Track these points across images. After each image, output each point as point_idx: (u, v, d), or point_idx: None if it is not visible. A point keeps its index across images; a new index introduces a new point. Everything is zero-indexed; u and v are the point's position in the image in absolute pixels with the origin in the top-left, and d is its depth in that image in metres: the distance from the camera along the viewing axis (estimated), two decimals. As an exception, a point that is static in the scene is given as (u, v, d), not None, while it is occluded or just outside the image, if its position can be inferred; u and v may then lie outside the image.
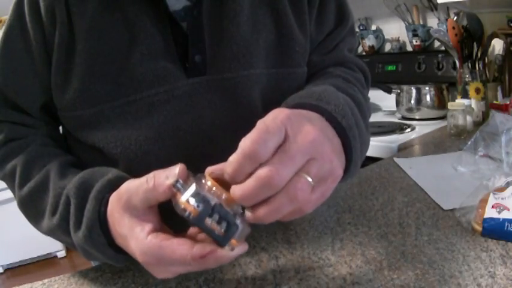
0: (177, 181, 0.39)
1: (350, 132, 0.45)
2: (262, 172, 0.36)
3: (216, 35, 0.58)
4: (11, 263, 2.52)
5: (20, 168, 0.56)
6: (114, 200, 0.44)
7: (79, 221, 0.47)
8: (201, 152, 0.58)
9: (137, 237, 0.41)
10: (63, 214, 0.49)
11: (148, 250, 0.40)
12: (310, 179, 0.37)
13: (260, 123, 0.37)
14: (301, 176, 0.37)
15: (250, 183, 0.36)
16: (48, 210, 0.51)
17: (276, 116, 0.38)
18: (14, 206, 0.58)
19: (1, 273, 2.50)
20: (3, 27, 0.57)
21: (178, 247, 0.39)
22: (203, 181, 0.40)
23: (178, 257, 0.39)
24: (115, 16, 0.55)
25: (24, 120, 0.60)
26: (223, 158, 0.63)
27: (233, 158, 0.37)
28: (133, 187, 0.42)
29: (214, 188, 0.39)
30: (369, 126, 0.58)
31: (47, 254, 2.59)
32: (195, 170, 0.64)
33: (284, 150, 0.36)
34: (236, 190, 0.37)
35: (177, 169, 0.40)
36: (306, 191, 0.37)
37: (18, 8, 0.56)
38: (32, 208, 0.54)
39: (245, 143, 0.36)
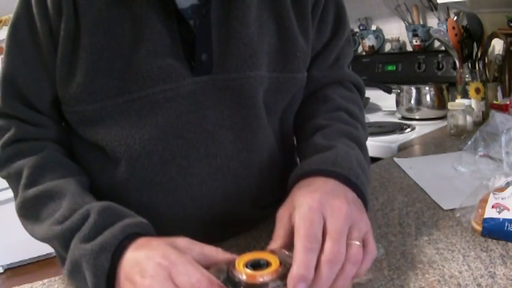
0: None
1: (362, 186, 0.53)
2: (327, 256, 0.41)
3: (224, 34, 0.58)
4: (11, 263, 2.52)
5: (28, 170, 0.55)
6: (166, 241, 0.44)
7: (92, 237, 0.46)
8: (205, 152, 0.58)
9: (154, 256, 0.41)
10: (75, 225, 0.48)
11: (154, 272, 0.40)
12: (358, 243, 0.44)
13: (300, 220, 0.43)
14: (352, 243, 0.43)
15: (324, 270, 0.41)
16: (53, 217, 0.50)
17: (311, 206, 0.44)
18: (14, 206, 0.57)
19: (1, 273, 2.49)
20: (11, 19, 0.57)
21: None
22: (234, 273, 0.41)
23: None
24: (122, 11, 0.54)
25: (33, 117, 0.59)
26: (227, 158, 0.63)
27: (299, 258, 0.40)
28: (199, 245, 0.44)
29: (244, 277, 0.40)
30: (369, 160, 0.65)
31: (47, 254, 2.58)
32: (197, 169, 0.64)
33: (331, 231, 0.43)
34: (317, 283, 0.40)
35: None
36: (360, 253, 0.44)
37: (25, 0, 0.56)
38: (32, 211, 0.54)
39: (300, 241, 0.41)
